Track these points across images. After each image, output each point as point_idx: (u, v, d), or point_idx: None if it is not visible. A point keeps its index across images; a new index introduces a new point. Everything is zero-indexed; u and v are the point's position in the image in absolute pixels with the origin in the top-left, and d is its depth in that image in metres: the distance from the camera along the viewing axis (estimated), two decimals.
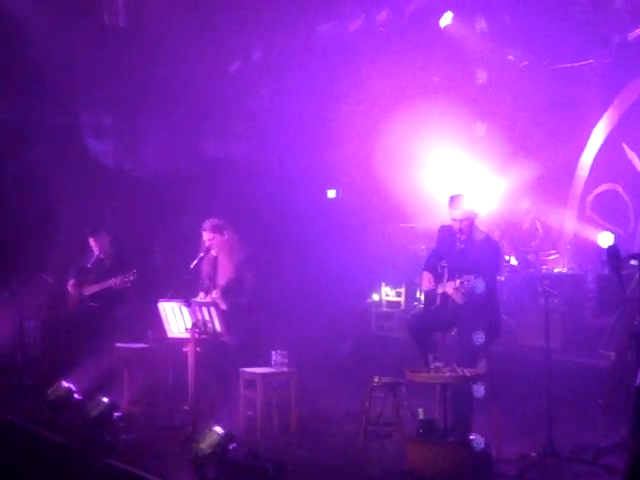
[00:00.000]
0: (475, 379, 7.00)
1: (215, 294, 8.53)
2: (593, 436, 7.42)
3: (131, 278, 9.52)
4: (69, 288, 9.98)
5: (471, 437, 6.70)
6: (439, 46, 11.78)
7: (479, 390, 6.96)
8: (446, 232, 7.69)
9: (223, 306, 8.37)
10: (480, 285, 7.00)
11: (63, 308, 10.24)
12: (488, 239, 7.59)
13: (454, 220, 7.50)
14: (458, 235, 7.54)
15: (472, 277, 7.01)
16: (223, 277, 8.68)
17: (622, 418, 7.23)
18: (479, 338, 7.10)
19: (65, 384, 8.57)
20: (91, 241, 10.02)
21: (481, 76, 11.72)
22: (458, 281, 7.13)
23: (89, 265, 9.97)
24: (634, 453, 1.87)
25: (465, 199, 7.55)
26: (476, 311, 7.11)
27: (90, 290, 9.80)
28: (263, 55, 12.49)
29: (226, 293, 8.53)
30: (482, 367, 7.26)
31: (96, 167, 13.23)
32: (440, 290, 7.44)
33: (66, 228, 11.84)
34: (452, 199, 7.57)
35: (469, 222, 7.49)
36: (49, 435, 8.05)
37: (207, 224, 8.73)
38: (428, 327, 7.55)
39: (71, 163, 12.59)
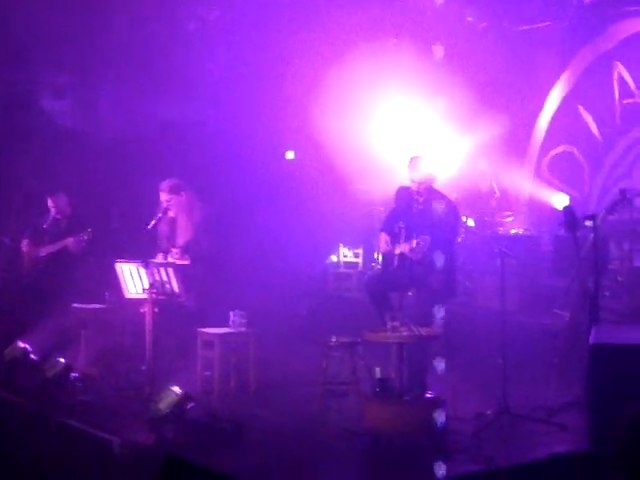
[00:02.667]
0: (431, 338, 7.06)
1: (175, 254, 8.49)
2: (547, 395, 7.53)
3: (86, 238, 9.42)
4: (23, 248, 9.88)
5: (427, 395, 6.79)
6: (396, 4, 11.75)
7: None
8: (404, 193, 7.71)
9: (185, 260, 8.37)
10: (440, 243, 7.06)
11: (18, 268, 10.15)
12: (446, 200, 7.63)
13: (413, 181, 7.53)
14: (416, 196, 7.57)
15: (428, 237, 7.06)
16: (182, 238, 8.64)
17: (576, 377, 7.35)
18: (434, 298, 7.16)
19: (21, 344, 8.53)
20: (49, 201, 9.90)
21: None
22: (414, 241, 7.18)
23: (45, 225, 9.87)
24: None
25: (425, 161, 7.58)
26: (432, 271, 7.16)
27: (45, 250, 9.71)
28: (218, 15, 12.37)
29: (186, 253, 8.51)
30: (438, 327, 7.32)
31: (52, 127, 13.06)
32: (397, 251, 7.47)
33: (22, 189, 11.70)
34: (412, 160, 7.60)
35: (428, 184, 7.53)
36: (5, 395, 8.00)
37: (164, 185, 8.67)
38: (385, 287, 7.60)
39: (27, 123, 12.42)
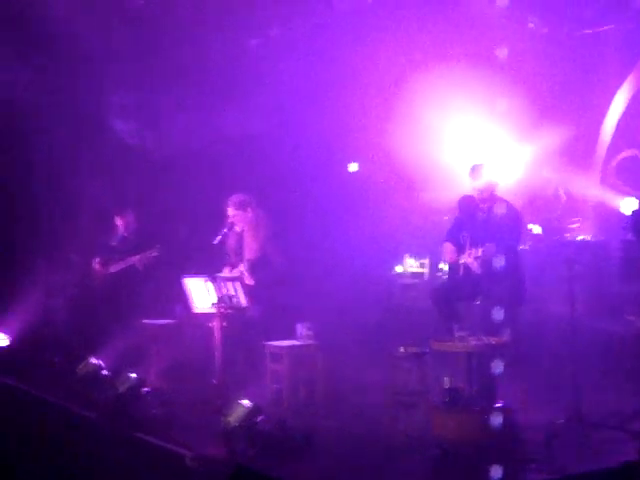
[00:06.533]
0: (500, 347, 7.01)
1: (242, 267, 8.55)
2: (620, 402, 7.44)
3: (154, 254, 9.59)
4: (95, 266, 10.09)
5: (497, 405, 6.74)
6: (457, 14, 11.71)
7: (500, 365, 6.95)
8: (468, 202, 7.69)
9: (250, 281, 8.41)
10: (502, 254, 7.01)
11: (90, 286, 10.34)
12: (510, 208, 7.59)
13: (475, 190, 7.51)
14: (480, 205, 7.54)
15: (494, 245, 7.03)
16: (249, 253, 8.71)
17: None
18: (503, 306, 7.11)
19: (94, 361, 8.68)
20: (117, 219, 10.13)
21: (501, 53, 11.64)
22: (480, 250, 7.15)
23: (114, 243, 10.07)
24: None
25: (486, 168, 7.56)
26: (498, 280, 7.12)
27: (115, 268, 9.90)
28: (281, 30, 12.47)
29: (253, 269, 8.56)
30: (507, 335, 7.28)
31: (119, 146, 13.28)
32: (462, 260, 7.46)
33: (92, 207, 11.92)
34: (473, 169, 7.58)
35: (490, 191, 7.50)
36: (79, 411, 8.15)
37: (231, 200, 8.76)
38: (451, 297, 7.58)
39: (94, 142, 12.66)
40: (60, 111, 12.73)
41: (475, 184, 7.49)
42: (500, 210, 7.46)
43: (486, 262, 7.15)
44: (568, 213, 11.47)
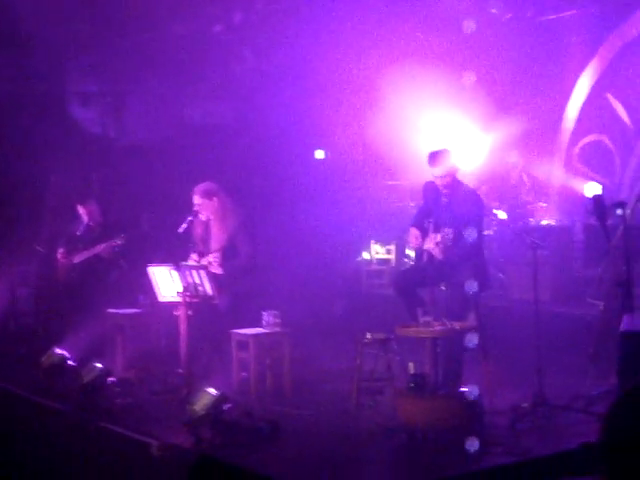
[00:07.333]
0: (464, 332, 7.05)
1: (212, 257, 8.50)
2: (584, 385, 7.50)
3: (119, 242, 9.54)
4: (59, 257, 10.00)
5: (462, 389, 6.78)
6: (420, 1, 11.73)
7: (470, 341, 6.98)
8: (431, 188, 7.69)
9: (218, 270, 8.38)
10: (468, 236, 7.02)
11: (54, 277, 10.27)
12: (471, 192, 7.59)
13: (435, 177, 7.50)
14: (443, 190, 7.54)
15: (451, 231, 7.04)
16: (216, 243, 8.67)
17: (612, 366, 7.31)
18: (466, 291, 7.13)
19: (58, 351, 8.61)
20: (80, 209, 10.05)
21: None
22: (439, 235, 7.16)
23: (78, 233, 9.99)
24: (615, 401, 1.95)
25: (444, 155, 7.53)
26: (461, 264, 7.15)
27: (79, 258, 9.83)
28: (244, 17, 12.42)
29: (220, 258, 8.53)
30: (471, 320, 7.32)
31: (82, 135, 13.19)
32: (425, 246, 7.46)
33: (56, 197, 11.85)
34: (431, 156, 7.53)
35: (451, 177, 7.48)
36: (45, 402, 8.10)
37: (197, 188, 8.70)
38: (414, 283, 7.57)
39: (57, 132, 12.57)
40: (22, 100, 12.63)
41: (434, 171, 7.48)
42: (462, 195, 7.47)
43: (447, 247, 7.17)
44: (532, 198, 11.54)
